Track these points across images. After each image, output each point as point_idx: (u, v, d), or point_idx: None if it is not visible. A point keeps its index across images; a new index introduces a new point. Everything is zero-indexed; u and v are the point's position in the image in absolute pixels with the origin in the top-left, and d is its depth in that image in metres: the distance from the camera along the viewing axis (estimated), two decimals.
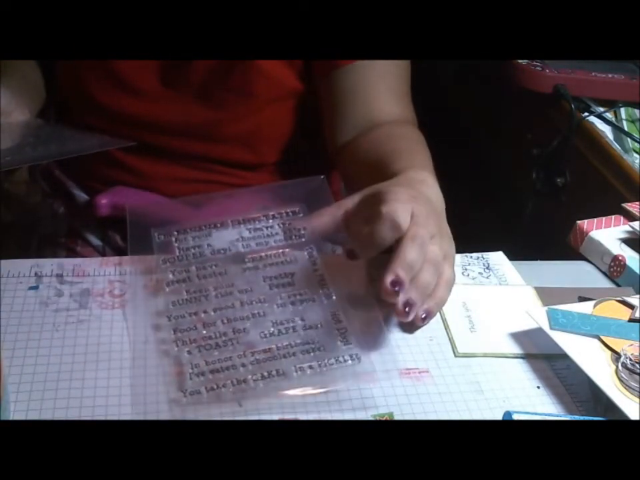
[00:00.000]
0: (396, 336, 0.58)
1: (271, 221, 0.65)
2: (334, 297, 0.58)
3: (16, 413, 0.48)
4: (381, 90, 0.80)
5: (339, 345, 0.54)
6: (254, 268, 0.61)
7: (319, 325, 0.56)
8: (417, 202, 0.57)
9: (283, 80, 0.83)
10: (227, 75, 0.81)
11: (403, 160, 0.69)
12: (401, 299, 0.53)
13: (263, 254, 0.62)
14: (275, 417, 0.50)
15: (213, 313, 0.57)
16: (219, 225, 0.64)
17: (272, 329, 0.55)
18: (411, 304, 0.54)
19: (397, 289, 0.52)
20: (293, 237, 0.63)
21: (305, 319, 0.56)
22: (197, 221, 0.64)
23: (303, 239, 0.63)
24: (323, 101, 0.83)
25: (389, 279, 0.52)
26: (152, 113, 0.84)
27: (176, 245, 0.62)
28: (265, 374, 0.52)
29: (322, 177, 0.69)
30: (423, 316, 0.56)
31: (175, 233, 0.63)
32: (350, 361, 0.53)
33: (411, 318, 0.54)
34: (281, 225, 0.64)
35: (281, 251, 0.62)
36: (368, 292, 0.60)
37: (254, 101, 0.83)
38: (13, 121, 0.77)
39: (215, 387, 0.51)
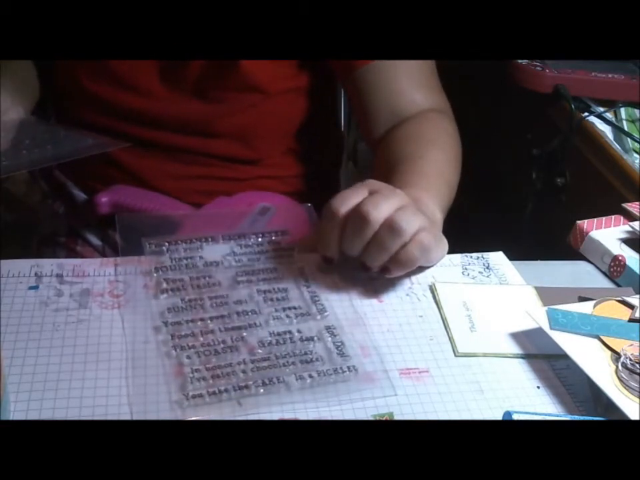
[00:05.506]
0: (396, 336, 0.58)
1: (260, 238, 0.66)
2: (327, 312, 0.59)
3: (16, 413, 0.48)
4: (403, 81, 0.80)
5: (336, 357, 0.55)
6: (247, 281, 0.62)
7: (316, 338, 0.57)
8: None
9: (277, 77, 0.83)
10: (221, 71, 0.81)
11: (401, 173, 0.70)
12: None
13: (255, 268, 0.63)
14: (275, 417, 0.50)
15: (209, 322, 0.57)
16: (209, 240, 0.65)
17: (269, 339, 0.56)
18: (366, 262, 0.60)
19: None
20: (283, 254, 0.65)
21: (302, 330, 0.57)
22: (187, 234, 0.66)
23: (293, 257, 0.65)
24: (350, 100, 0.85)
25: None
26: (149, 108, 0.84)
27: (167, 254, 0.63)
28: (267, 381, 0.52)
29: (309, 204, 0.73)
30: (377, 270, 0.61)
31: (166, 243, 0.64)
32: (348, 372, 0.54)
33: (372, 269, 0.60)
34: (271, 243, 0.66)
35: (272, 266, 0.64)
36: (359, 303, 0.61)
37: (248, 96, 0.83)
38: (7, 119, 0.76)
39: (217, 391, 0.51)
